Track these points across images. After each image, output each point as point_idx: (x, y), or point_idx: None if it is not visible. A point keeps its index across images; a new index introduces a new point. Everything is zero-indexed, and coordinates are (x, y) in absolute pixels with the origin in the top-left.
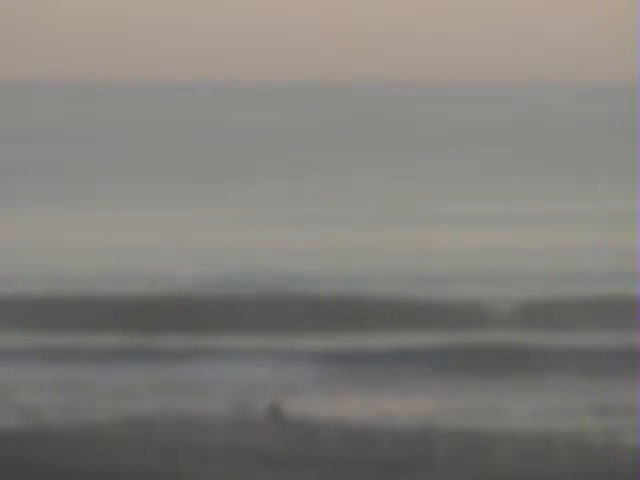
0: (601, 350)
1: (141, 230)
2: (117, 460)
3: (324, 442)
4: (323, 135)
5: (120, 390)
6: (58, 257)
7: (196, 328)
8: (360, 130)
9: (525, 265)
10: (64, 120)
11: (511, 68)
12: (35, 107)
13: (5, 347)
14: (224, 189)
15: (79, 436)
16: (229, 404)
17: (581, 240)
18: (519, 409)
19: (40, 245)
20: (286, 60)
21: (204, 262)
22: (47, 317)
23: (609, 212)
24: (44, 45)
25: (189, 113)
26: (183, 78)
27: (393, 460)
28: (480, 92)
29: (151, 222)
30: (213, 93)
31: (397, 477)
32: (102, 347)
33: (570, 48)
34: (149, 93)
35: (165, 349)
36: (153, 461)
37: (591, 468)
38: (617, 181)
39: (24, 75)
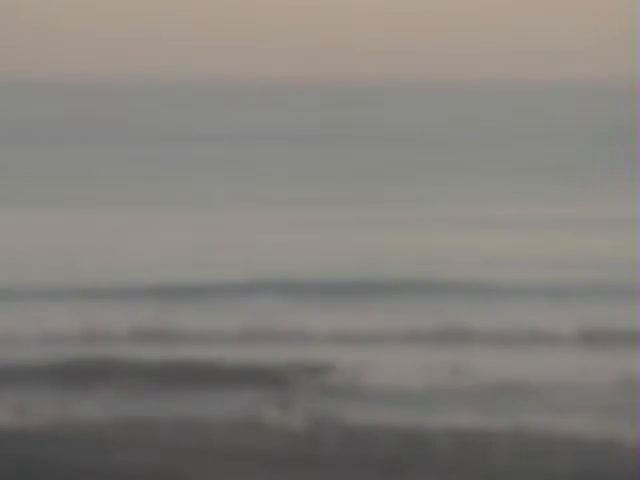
0: None
1: (138, 231)
2: (116, 460)
3: (324, 442)
4: (323, 135)
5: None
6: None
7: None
8: (357, 131)
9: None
10: (64, 120)
11: (511, 68)
12: (35, 107)
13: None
14: (224, 189)
15: (78, 435)
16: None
17: (578, 245)
18: None
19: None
20: (285, 60)
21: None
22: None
23: (609, 215)
24: (42, 43)
25: (189, 113)
26: (183, 78)
27: (393, 460)
28: (479, 92)
29: (150, 222)
30: (213, 93)
31: (397, 477)
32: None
33: (570, 48)
34: (149, 93)
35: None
36: (153, 461)
37: (591, 468)
38: (617, 183)
39: (24, 74)
